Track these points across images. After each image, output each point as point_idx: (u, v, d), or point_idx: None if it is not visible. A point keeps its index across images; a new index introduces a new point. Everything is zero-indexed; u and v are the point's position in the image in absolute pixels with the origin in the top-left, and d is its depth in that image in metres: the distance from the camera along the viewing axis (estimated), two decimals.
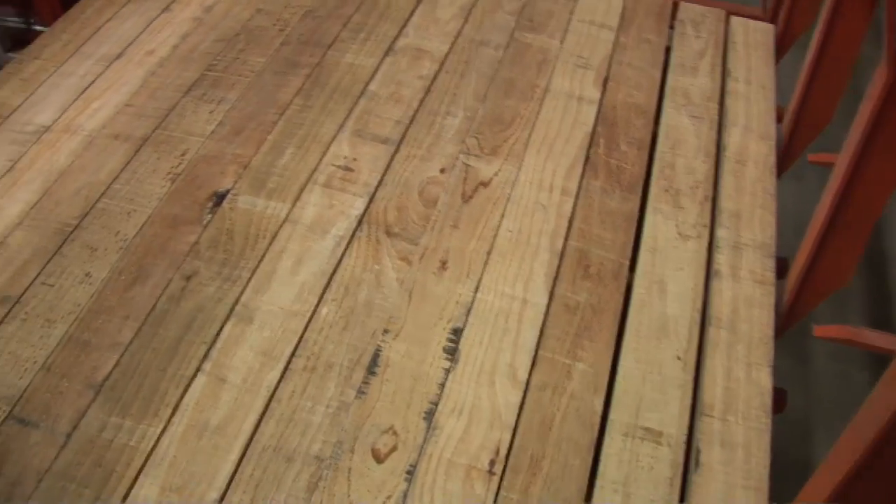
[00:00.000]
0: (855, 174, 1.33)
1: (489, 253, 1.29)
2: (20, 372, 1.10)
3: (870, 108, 1.29)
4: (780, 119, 1.73)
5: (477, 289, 1.24)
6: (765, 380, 1.15)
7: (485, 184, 1.40)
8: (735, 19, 1.84)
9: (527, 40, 1.69)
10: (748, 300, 1.26)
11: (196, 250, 1.25)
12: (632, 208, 1.40)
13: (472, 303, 1.21)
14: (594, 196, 1.41)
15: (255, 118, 1.46)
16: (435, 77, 1.57)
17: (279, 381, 1.10)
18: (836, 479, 0.94)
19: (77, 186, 1.36)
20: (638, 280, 1.29)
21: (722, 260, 1.33)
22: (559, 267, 1.28)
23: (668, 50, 1.75)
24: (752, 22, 1.84)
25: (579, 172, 1.44)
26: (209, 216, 1.30)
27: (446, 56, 1.62)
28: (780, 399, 1.25)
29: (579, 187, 1.41)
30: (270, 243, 1.26)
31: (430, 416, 1.07)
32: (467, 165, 1.42)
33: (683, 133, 1.56)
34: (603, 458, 1.05)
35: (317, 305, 1.19)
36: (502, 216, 1.35)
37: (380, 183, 1.37)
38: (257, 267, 1.23)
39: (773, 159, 1.51)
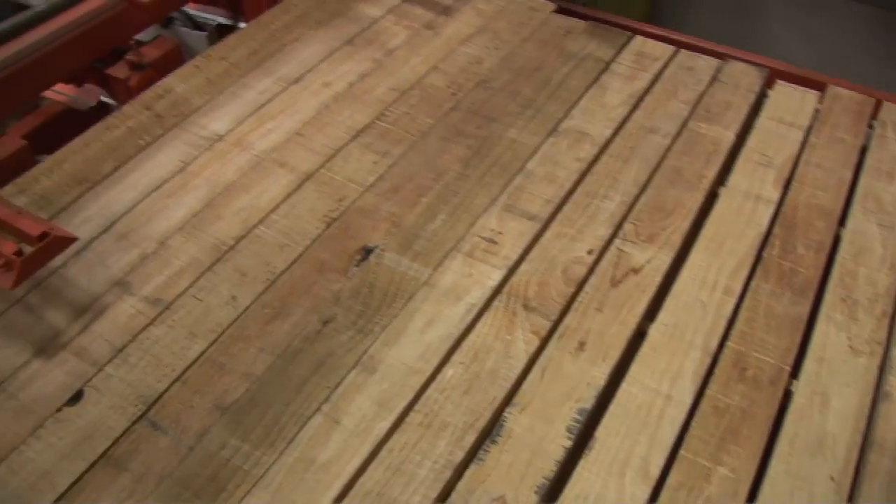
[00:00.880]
0: None
1: (636, 342, 1.23)
2: (159, 377, 1.17)
3: None
4: None
5: (615, 376, 1.18)
6: None
7: (636, 270, 1.34)
8: None
9: (700, 130, 1.62)
10: None
11: (338, 298, 1.28)
12: (801, 313, 1.28)
13: (609, 389, 1.16)
14: (761, 298, 1.30)
15: (414, 179, 1.49)
16: (594, 160, 1.54)
17: (391, 431, 1.10)
18: None
19: (239, 206, 1.43)
20: (799, 389, 1.16)
21: (894, 382, 1.18)
22: (712, 367, 1.20)
23: (863, 151, 1.62)
24: None
25: (746, 273, 1.34)
26: (355, 268, 1.33)
27: (609, 140, 1.59)
28: None
29: (745, 288, 1.32)
30: (407, 303, 1.27)
31: (541, 490, 1.03)
32: (620, 250, 1.37)
33: (870, 241, 1.42)
34: None
35: (440, 366, 1.18)
36: (653, 306, 1.29)
37: (523, 257, 1.35)
38: (390, 323, 1.24)
39: None
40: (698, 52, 1.83)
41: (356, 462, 1.06)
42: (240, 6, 2.03)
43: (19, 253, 1.14)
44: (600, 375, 1.17)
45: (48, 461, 1.07)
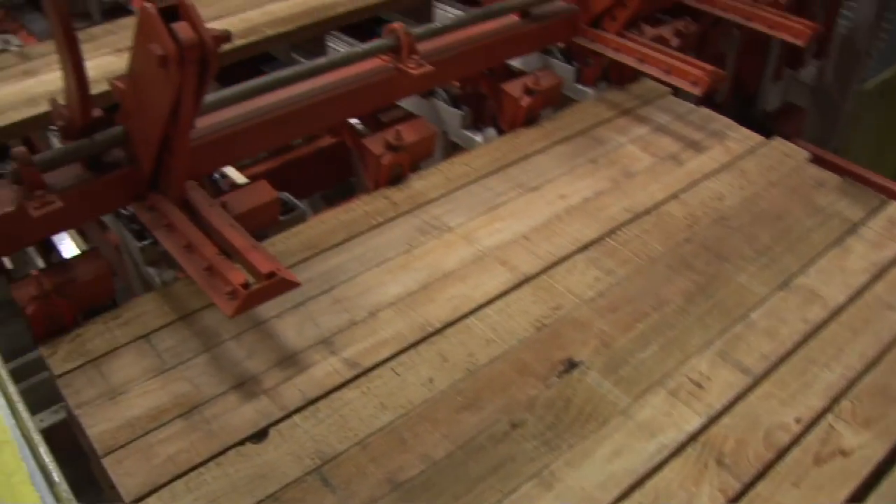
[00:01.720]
0: None
1: None
2: (341, 437, 1.17)
3: None
4: None
5: None
6: None
7: (845, 454, 1.19)
8: None
9: None
10: None
11: (532, 404, 1.22)
12: None
13: None
14: None
15: (633, 302, 1.42)
16: (822, 324, 1.39)
17: None
18: None
19: (452, 293, 1.43)
20: None
21: None
22: None
23: None
24: None
25: None
26: (556, 378, 1.27)
27: (842, 307, 1.43)
28: None
29: None
30: (600, 427, 1.20)
31: None
32: (832, 427, 1.22)
33: None
34: None
35: (619, 500, 1.11)
36: (855, 498, 1.14)
37: (727, 409, 1.25)
38: (578, 444, 1.17)
39: None
40: None
41: None
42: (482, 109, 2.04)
43: (246, 285, 1.21)
44: None
45: (220, 489, 1.09)
